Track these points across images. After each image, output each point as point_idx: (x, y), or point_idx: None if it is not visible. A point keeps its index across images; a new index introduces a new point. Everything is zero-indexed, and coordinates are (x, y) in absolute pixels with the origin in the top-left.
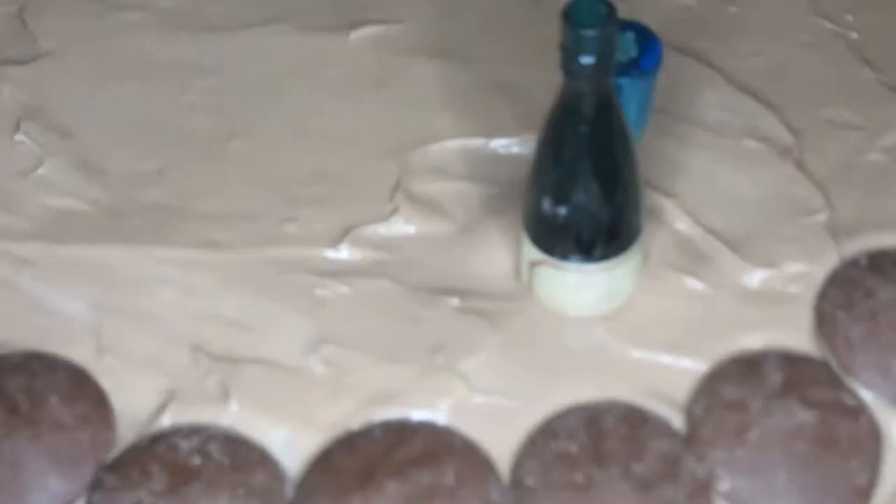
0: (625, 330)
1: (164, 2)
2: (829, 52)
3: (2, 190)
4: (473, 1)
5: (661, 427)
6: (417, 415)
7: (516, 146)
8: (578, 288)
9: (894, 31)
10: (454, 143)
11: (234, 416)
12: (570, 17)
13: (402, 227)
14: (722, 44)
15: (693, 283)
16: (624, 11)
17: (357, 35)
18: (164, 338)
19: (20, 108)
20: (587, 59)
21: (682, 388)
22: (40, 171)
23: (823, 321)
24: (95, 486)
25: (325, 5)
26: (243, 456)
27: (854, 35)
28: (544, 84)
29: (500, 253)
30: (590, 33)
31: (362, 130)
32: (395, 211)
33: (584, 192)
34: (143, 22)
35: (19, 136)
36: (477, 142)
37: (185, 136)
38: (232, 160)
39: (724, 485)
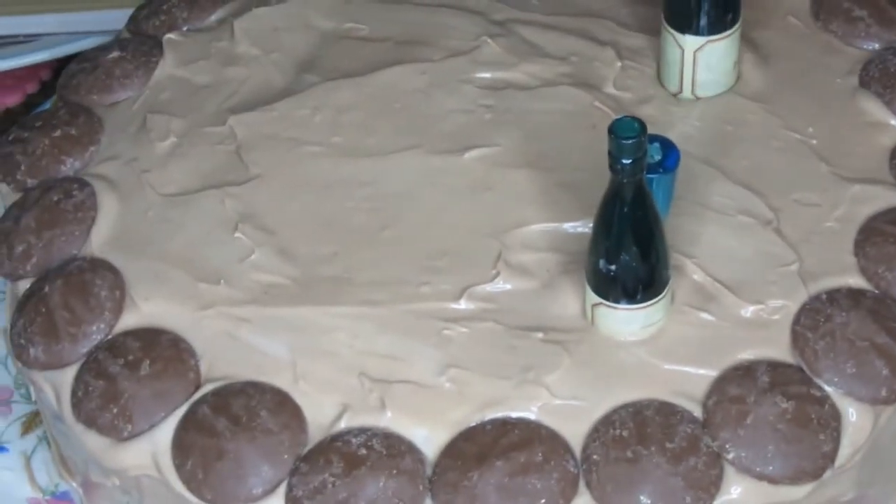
0: (659, 350)
1: (335, 139)
2: (796, 154)
3: (227, 271)
4: (548, 129)
5: (686, 416)
6: (515, 414)
7: (581, 227)
8: (626, 322)
9: (842, 137)
10: (538, 227)
11: (388, 420)
12: (614, 131)
13: (502, 285)
14: (720, 151)
15: (706, 316)
16: (651, 129)
17: (469, 155)
18: (340, 368)
19: (238, 215)
20: (626, 161)
21: (700, 389)
22: (252, 257)
23: (797, 339)
24: (294, 472)
25: (445, 137)
26: (395, 447)
27: (814, 141)
28: (599, 183)
29: (572, 300)
30: (628, 142)
31: (474, 220)
32: (497, 275)
33: (628, 255)
34: (321, 153)
35: (237, 234)
36: (554, 225)
37: (351, 230)
38: (384, 244)
39: (730, 455)
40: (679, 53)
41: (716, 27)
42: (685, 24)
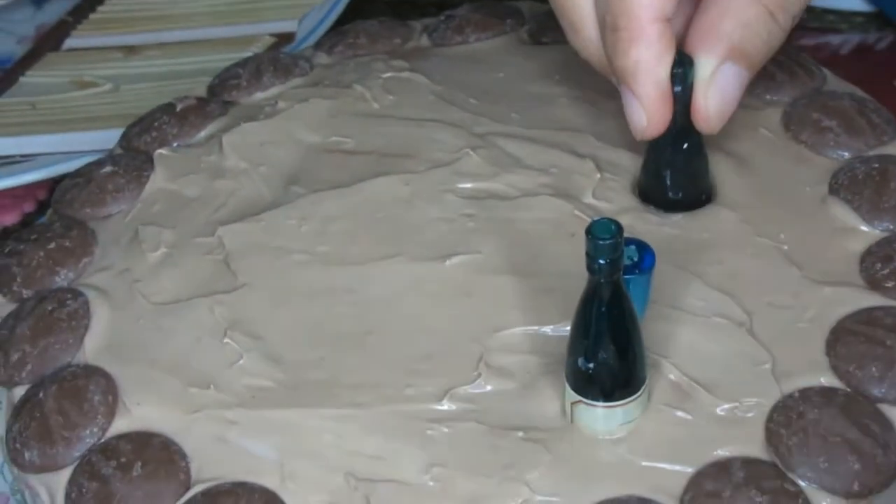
0: (636, 447)
1: (321, 248)
2: (769, 259)
3: (216, 376)
4: (528, 237)
5: None
6: None
7: (560, 329)
8: (604, 419)
9: (813, 242)
10: (519, 330)
11: None
12: (591, 232)
13: (483, 387)
14: (696, 257)
15: (681, 415)
16: (628, 232)
17: (450, 262)
18: (326, 468)
19: (226, 322)
20: (603, 260)
21: (677, 485)
22: (241, 362)
23: (771, 436)
24: None
25: (428, 245)
26: None
27: (785, 247)
28: (578, 288)
29: (551, 399)
30: (605, 243)
31: (456, 325)
32: (478, 377)
33: (605, 354)
34: (307, 261)
35: (226, 340)
36: (534, 328)
37: (337, 335)
38: (369, 349)
39: None
40: None
41: None
42: None
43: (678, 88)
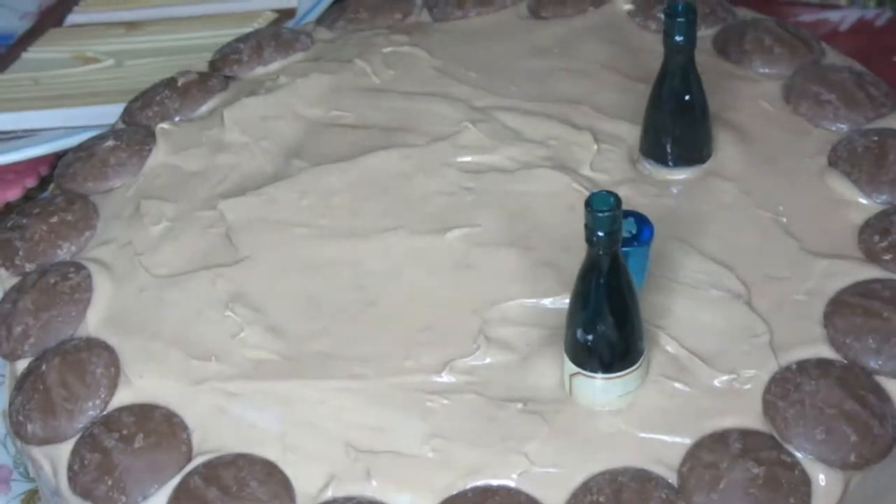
0: (634, 419)
1: (322, 221)
2: (767, 231)
3: (217, 348)
4: (528, 210)
5: (661, 482)
6: (496, 482)
7: (559, 302)
8: (602, 391)
9: (811, 214)
10: (518, 302)
11: (374, 489)
12: (590, 205)
13: (482, 358)
14: (694, 229)
15: (679, 386)
16: (627, 204)
17: (451, 235)
18: (327, 439)
19: (228, 295)
20: (602, 233)
21: (675, 456)
22: (242, 334)
23: (768, 407)
24: None
25: (428, 218)
26: None
27: (784, 219)
28: (576, 260)
29: (550, 371)
30: (603, 215)
31: (456, 297)
32: (478, 349)
33: (604, 326)
34: (308, 234)
35: (228, 313)
36: (533, 300)
37: (338, 307)
38: (369, 321)
39: None
40: None
41: None
42: None
43: (680, 38)
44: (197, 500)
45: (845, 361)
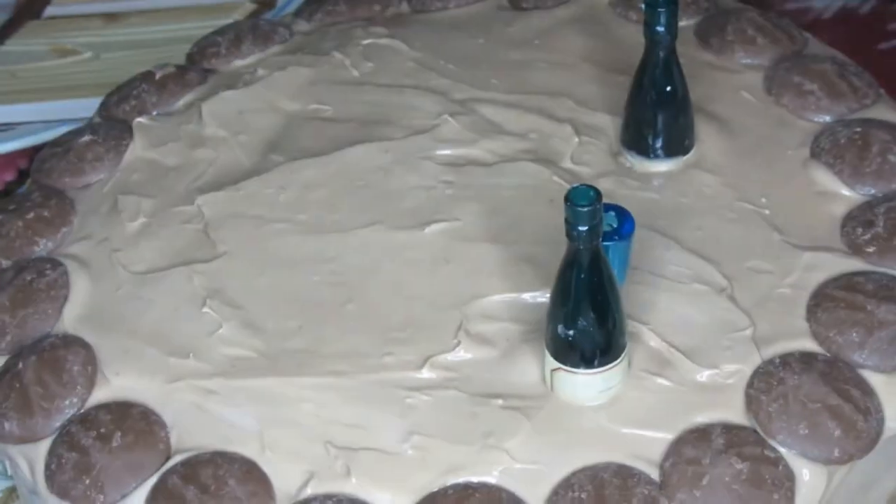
0: (616, 414)
1: (300, 216)
2: (750, 223)
3: (195, 345)
4: (508, 204)
5: (643, 478)
6: (476, 479)
7: (540, 297)
8: (584, 386)
9: (794, 206)
10: (498, 297)
11: (353, 487)
12: (570, 199)
13: (462, 354)
14: (676, 222)
15: (662, 381)
16: (608, 198)
17: (430, 230)
18: (305, 437)
19: (206, 291)
20: (582, 227)
21: (657, 451)
22: (220, 331)
23: (751, 402)
24: None
25: (407, 213)
26: None
27: (766, 211)
28: (557, 254)
29: (531, 367)
30: (584, 209)
31: (436, 293)
32: (458, 344)
33: (585, 321)
34: (286, 230)
35: (205, 309)
36: (513, 296)
37: (316, 304)
38: (348, 317)
39: None
40: None
41: None
42: None
43: (661, 29)
44: (175, 498)
45: (829, 355)
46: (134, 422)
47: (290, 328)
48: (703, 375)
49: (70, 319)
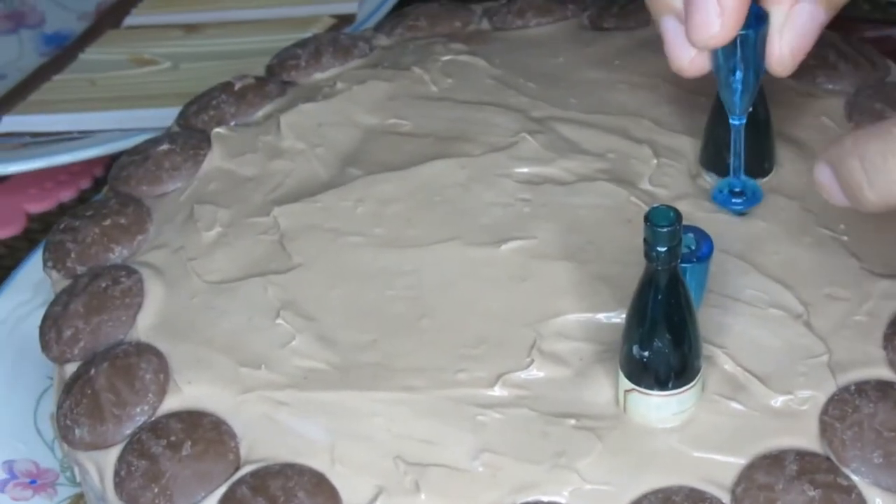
0: (689, 437)
1: (376, 230)
2: (828, 250)
3: (267, 356)
4: (584, 223)
5: (715, 502)
6: (546, 499)
7: (615, 317)
8: (657, 408)
9: (872, 233)
10: (573, 317)
11: (422, 502)
12: (650, 219)
13: (535, 373)
14: (753, 246)
15: (736, 406)
16: (686, 220)
17: (506, 247)
18: (376, 451)
19: (279, 302)
20: (661, 248)
21: (729, 476)
22: (293, 343)
23: (825, 429)
24: None
25: (483, 230)
26: None
27: (845, 238)
28: (633, 275)
29: (604, 387)
30: (663, 230)
31: (510, 310)
32: (531, 363)
33: (661, 342)
34: (362, 243)
35: (279, 321)
36: (589, 315)
37: (390, 318)
38: (422, 332)
39: None
40: None
41: None
42: None
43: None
44: None
45: None
46: (204, 431)
47: (363, 341)
48: (778, 401)
49: (143, 327)
